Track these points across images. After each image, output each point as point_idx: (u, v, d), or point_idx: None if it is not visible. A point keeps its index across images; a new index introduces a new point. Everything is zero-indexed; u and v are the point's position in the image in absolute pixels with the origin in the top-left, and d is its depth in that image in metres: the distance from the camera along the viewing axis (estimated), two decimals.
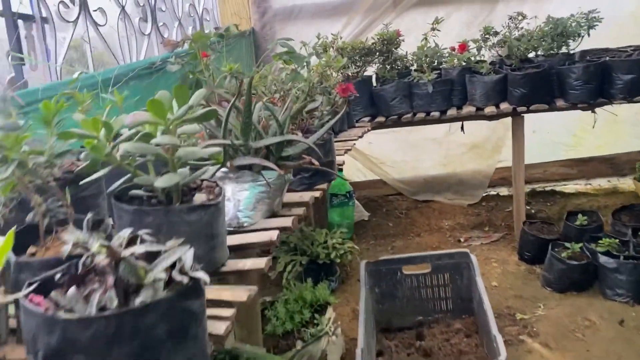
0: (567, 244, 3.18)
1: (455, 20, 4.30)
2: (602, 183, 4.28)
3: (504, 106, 3.45)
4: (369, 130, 3.48)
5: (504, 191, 4.47)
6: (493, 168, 4.38)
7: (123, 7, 2.87)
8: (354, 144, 3.03)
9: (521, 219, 3.69)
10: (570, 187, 4.34)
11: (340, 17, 4.45)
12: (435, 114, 3.57)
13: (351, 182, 4.69)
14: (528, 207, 4.04)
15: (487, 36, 3.80)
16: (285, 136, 1.66)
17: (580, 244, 3.12)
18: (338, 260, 3.13)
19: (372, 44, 3.69)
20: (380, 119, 3.69)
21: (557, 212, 3.95)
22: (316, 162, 1.70)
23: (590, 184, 4.32)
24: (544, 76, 3.36)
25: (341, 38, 3.81)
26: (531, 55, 3.69)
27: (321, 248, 3.12)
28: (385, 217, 4.25)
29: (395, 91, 3.61)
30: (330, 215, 4.04)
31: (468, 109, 3.54)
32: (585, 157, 4.31)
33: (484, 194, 4.37)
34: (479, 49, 3.81)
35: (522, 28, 3.81)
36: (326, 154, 2.09)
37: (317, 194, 1.99)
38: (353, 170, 4.67)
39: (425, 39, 3.90)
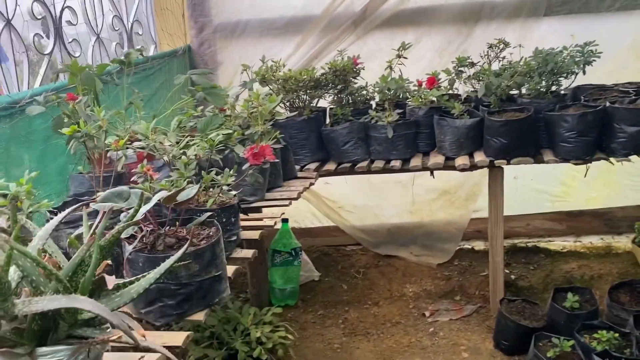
0: (555, 338, 2.52)
1: (427, 45, 3.65)
2: (594, 241, 3.65)
3: (479, 158, 2.79)
4: (312, 184, 2.79)
5: (479, 245, 3.82)
6: (467, 219, 3.73)
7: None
8: (280, 215, 2.33)
9: (498, 291, 3.04)
10: (557, 243, 3.70)
11: (293, 37, 3.76)
12: (396, 163, 2.90)
13: (302, 228, 4.01)
14: (507, 271, 3.39)
15: (460, 68, 3.15)
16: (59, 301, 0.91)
17: (572, 342, 2.47)
18: (264, 359, 2.43)
19: (322, 75, 3.00)
20: (331, 166, 3.01)
21: (541, 281, 3.31)
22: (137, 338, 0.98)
23: (580, 241, 3.68)
24: (529, 124, 2.72)
25: (284, 66, 3.12)
26: (514, 91, 3.05)
27: (240, 343, 2.42)
28: (340, 277, 3.57)
29: (348, 133, 2.94)
30: (272, 276, 3.35)
31: (435, 159, 2.88)
32: (575, 211, 3.68)
33: (456, 248, 3.71)
34: (451, 82, 3.16)
35: (503, 58, 3.18)
36: (206, 266, 1.39)
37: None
38: (305, 214, 3.99)
39: (390, 67, 3.24)
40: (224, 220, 1.69)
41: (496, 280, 3.04)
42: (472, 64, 3.21)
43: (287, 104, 3.07)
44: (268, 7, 3.75)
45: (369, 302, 3.31)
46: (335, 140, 2.96)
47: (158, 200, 1.36)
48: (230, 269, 1.62)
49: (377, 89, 3.20)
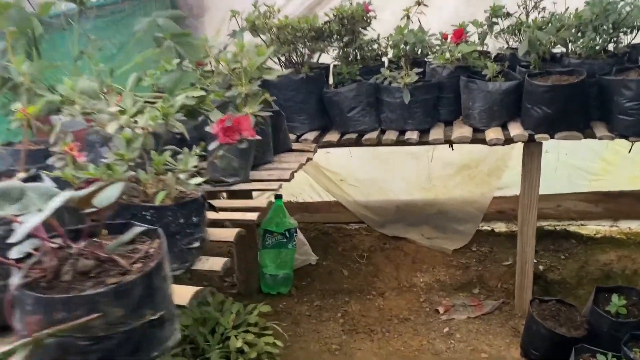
0: (600, 354, 2.08)
1: None
2: (633, 226, 3.17)
3: (516, 130, 2.28)
4: (310, 160, 2.29)
5: (501, 227, 3.34)
6: (489, 197, 3.24)
7: None
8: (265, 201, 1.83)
9: (526, 287, 2.59)
10: (589, 227, 3.22)
11: None
12: (413, 135, 2.39)
13: (299, 203, 3.53)
14: (535, 261, 2.93)
15: (494, 20, 2.59)
16: None
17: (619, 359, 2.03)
18: None
19: (326, 23, 2.45)
20: (333, 136, 2.50)
21: (574, 274, 2.85)
22: None
23: (617, 226, 3.20)
24: (580, 90, 2.19)
25: (279, 11, 2.56)
26: (556, 50, 2.51)
27: (217, 353, 1.97)
28: (340, 262, 3.11)
29: (355, 97, 2.41)
30: (262, 260, 2.89)
31: (461, 131, 2.37)
32: (614, 191, 3.18)
33: (475, 231, 3.24)
34: (482, 37, 2.61)
35: (543, 8, 2.62)
36: (137, 307, 0.90)
37: None
38: (303, 186, 3.50)
39: (407, 16, 2.69)
40: (182, 220, 1.21)
41: (524, 273, 2.58)
42: (508, 14, 2.66)
43: (283, 59, 2.53)
44: None
45: (373, 293, 2.86)
46: (339, 104, 2.44)
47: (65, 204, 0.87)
48: (187, 293, 1.14)
49: (391, 42, 2.66)
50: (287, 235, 2.87)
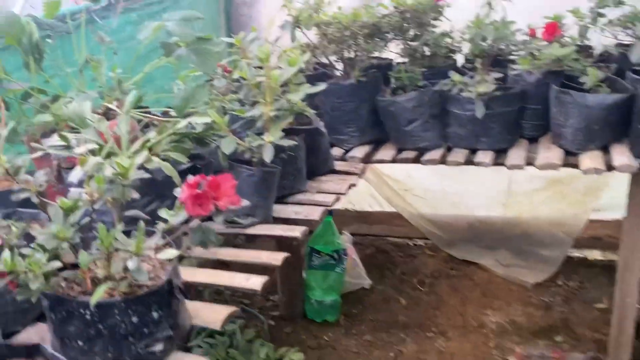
0: None
1: None
2: None
3: (622, 158, 1.76)
4: (353, 187, 1.90)
5: (595, 256, 2.79)
6: (583, 220, 2.70)
7: None
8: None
9: (625, 343, 2.09)
10: None
11: None
12: (486, 156, 1.94)
13: (357, 212, 3.17)
14: (638, 307, 2.39)
15: (600, 9, 2.04)
16: None
17: None
18: None
19: (384, 17, 2.03)
20: (386, 152, 2.10)
21: None
22: None
23: None
24: None
25: (329, 3, 2.16)
26: None
27: None
28: (398, 287, 2.73)
29: (416, 108, 1.99)
30: (308, 282, 2.58)
31: (548, 155, 1.88)
32: None
33: (562, 260, 2.72)
34: (582, 32, 2.07)
35: None
36: None
37: None
38: (364, 194, 3.12)
39: (489, 4, 2.21)
40: (136, 319, 0.90)
41: (624, 323, 2.08)
42: (620, 2, 2.09)
43: (334, 58, 2.15)
44: None
45: (434, 330, 2.46)
46: (395, 116, 2.03)
47: None
48: (220, 314, 0.87)
49: (466, 36, 2.19)
50: (336, 257, 2.53)
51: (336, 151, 2.12)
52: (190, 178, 0.91)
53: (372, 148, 2.14)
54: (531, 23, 2.13)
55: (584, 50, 2.16)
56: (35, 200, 1.02)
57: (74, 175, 1.07)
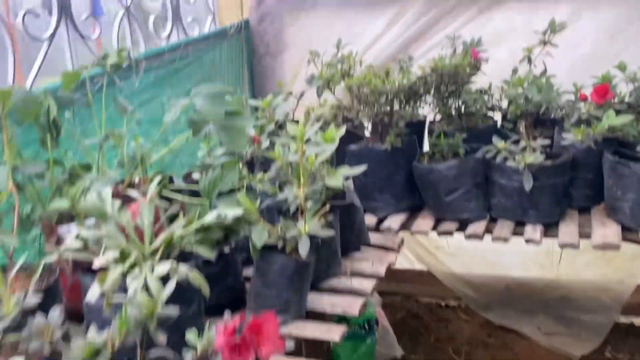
0: None
1: (589, 23, 2.38)
2: None
3: None
4: (392, 264, 1.75)
5: None
6: (632, 286, 2.51)
7: None
8: None
9: None
10: None
11: (384, 10, 2.66)
12: (535, 231, 1.78)
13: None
14: None
15: None
16: None
17: None
18: None
19: (420, 79, 1.90)
20: (424, 222, 1.95)
21: None
22: None
23: None
24: None
25: (361, 63, 2.05)
26: None
27: None
28: (432, 356, 2.55)
29: (457, 177, 1.84)
30: (335, 354, 2.41)
31: (604, 232, 1.72)
32: None
33: (609, 328, 2.52)
34: (638, 94, 1.92)
35: None
36: None
37: None
38: None
39: (529, 59, 2.10)
40: None
41: None
42: None
43: (368, 117, 2.02)
44: None
45: None
46: (434, 185, 1.88)
47: None
48: None
49: (506, 95, 2.07)
50: (367, 327, 2.37)
51: (369, 219, 1.97)
52: (227, 320, 0.77)
53: (408, 216, 1.99)
54: (575, 82, 1.99)
55: (635, 108, 2.02)
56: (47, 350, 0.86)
57: (92, 295, 0.94)
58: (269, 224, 1.34)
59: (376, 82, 1.81)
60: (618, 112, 1.81)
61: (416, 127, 2.14)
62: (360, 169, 1.43)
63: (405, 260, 3.01)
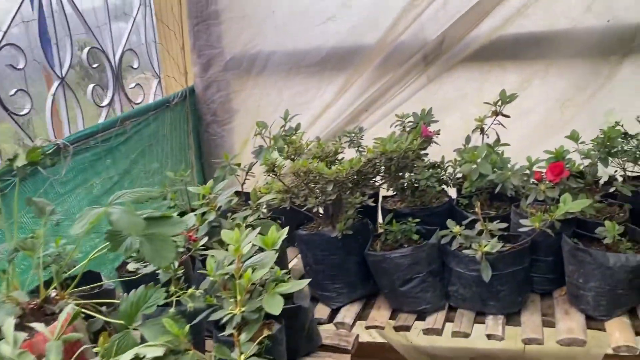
0: None
1: (539, 91, 2.37)
2: None
3: None
4: (352, 351, 1.61)
5: None
6: (600, 356, 2.43)
7: None
8: None
9: None
10: None
11: (334, 76, 2.60)
12: (496, 324, 1.67)
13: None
14: None
15: (609, 145, 1.84)
16: None
17: None
18: None
19: (368, 162, 1.80)
20: (380, 313, 1.82)
21: None
22: None
23: None
24: None
25: (307, 146, 1.94)
26: None
27: None
28: None
29: (411, 266, 1.73)
30: None
31: (570, 325, 1.61)
32: None
33: None
34: (592, 172, 1.87)
35: None
36: None
37: None
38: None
39: (481, 131, 2.05)
40: None
41: None
42: (627, 137, 1.91)
43: (316, 203, 1.89)
44: (299, 33, 2.59)
45: None
46: (388, 274, 1.76)
47: None
48: None
49: (460, 168, 2.00)
50: None
51: (322, 311, 1.83)
52: None
53: (363, 305, 1.86)
54: (529, 155, 1.92)
55: (591, 185, 1.97)
56: None
57: None
58: (199, 353, 1.18)
59: (322, 169, 1.70)
60: (574, 191, 1.76)
61: (370, 209, 2.04)
62: (304, 282, 1.29)
63: (365, 333, 2.86)
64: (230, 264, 1.28)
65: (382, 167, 1.85)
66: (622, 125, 1.90)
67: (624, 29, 2.17)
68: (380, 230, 1.94)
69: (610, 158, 1.85)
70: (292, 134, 2.24)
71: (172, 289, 1.34)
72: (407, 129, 2.12)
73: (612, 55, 2.22)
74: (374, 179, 1.90)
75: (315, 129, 2.56)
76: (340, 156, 1.98)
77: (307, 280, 1.30)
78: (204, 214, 1.76)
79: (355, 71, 2.50)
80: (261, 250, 1.33)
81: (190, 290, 1.31)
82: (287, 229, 1.38)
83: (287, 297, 1.50)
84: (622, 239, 1.62)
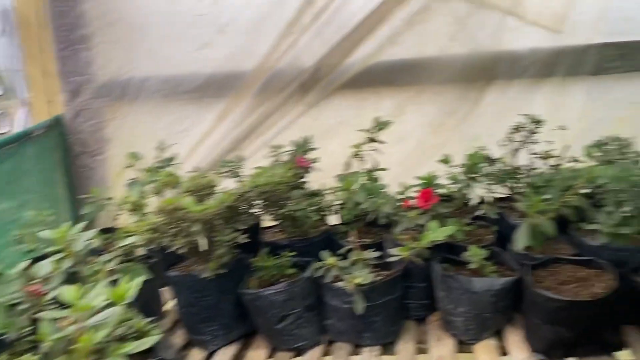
0: None
1: (414, 117, 2.43)
2: None
3: (517, 350, 1.56)
4: None
5: None
6: None
7: None
8: None
9: None
10: None
11: (213, 103, 2.52)
12: (370, 355, 1.66)
13: None
14: None
15: (472, 174, 1.92)
16: None
17: None
18: None
19: (240, 196, 1.73)
20: (258, 353, 1.74)
21: None
22: None
23: None
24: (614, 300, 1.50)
25: (176, 183, 1.85)
26: None
27: None
28: None
29: (286, 302, 1.67)
30: None
31: (441, 353, 1.63)
32: None
33: None
34: (460, 196, 1.93)
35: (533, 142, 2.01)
36: None
37: None
38: None
39: (358, 154, 2.07)
40: None
41: None
42: (490, 160, 2.00)
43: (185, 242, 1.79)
44: (175, 58, 2.49)
45: None
46: (263, 312, 1.70)
47: None
48: None
49: (338, 197, 1.99)
50: None
51: (197, 356, 1.73)
52: None
53: (241, 346, 1.77)
54: (403, 181, 1.95)
55: (461, 208, 2.04)
56: None
57: None
58: None
59: (189, 206, 1.61)
60: (444, 216, 1.80)
61: (248, 232, 1.97)
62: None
63: None
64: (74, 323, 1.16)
65: (256, 201, 1.80)
66: (486, 150, 1.98)
67: (486, 56, 2.29)
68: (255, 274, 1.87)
69: (475, 182, 1.93)
70: (167, 165, 2.14)
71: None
72: (286, 158, 2.10)
73: (478, 81, 2.33)
74: (250, 212, 1.85)
75: (195, 159, 2.46)
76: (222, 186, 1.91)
77: (156, 337, 1.20)
78: (59, 260, 1.61)
79: (235, 98, 2.44)
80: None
81: (24, 357, 1.17)
82: (142, 278, 1.27)
83: (148, 351, 1.39)
84: (488, 262, 1.68)
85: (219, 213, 1.65)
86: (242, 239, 1.69)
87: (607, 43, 2.22)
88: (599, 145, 1.89)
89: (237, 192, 1.72)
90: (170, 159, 2.16)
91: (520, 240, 1.54)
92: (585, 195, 1.68)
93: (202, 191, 1.86)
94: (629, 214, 1.51)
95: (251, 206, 1.79)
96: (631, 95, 2.21)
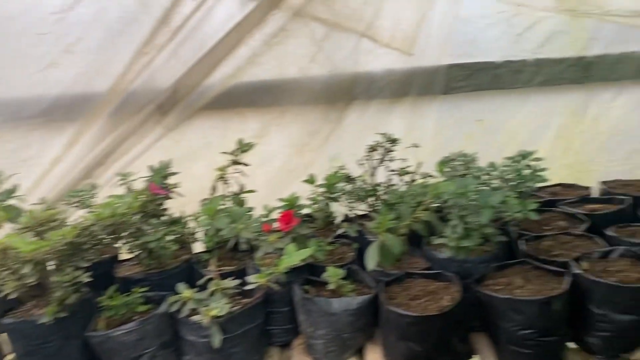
0: None
1: (279, 137, 2.42)
2: None
3: None
4: None
5: None
6: None
7: None
8: None
9: None
10: None
11: (64, 127, 2.32)
12: None
13: None
14: None
15: (332, 195, 1.94)
16: None
17: None
18: None
19: (84, 230, 1.60)
20: None
21: None
22: None
23: None
24: (460, 313, 1.56)
25: (8, 197, 1.67)
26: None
27: None
28: None
29: (139, 341, 1.56)
30: None
31: None
32: None
33: None
34: (325, 217, 1.94)
35: (390, 160, 2.08)
36: None
37: None
38: None
39: (222, 178, 2.02)
40: None
41: None
42: (350, 179, 2.04)
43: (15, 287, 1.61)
44: (15, 81, 2.27)
45: None
46: (114, 354, 1.57)
47: None
48: None
49: (201, 224, 1.91)
50: None
51: None
52: None
53: None
54: (269, 204, 1.93)
55: (324, 228, 2.05)
56: None
57: None
58: None
59: (18, 245, 1.45)
60: (305, 237, 1.80)
61: (103, 266, 1.84)
62: None
63: None
64: None
65: (103, 235, 1.67)
66: (346, 169, 2.02)
67: (344, 77, 2.34)
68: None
69: (334, 201, 1.95)
70: (6, 198, 1.93)
71: None
72: (141, 186, 1.98)
73: (339, 102, 2.38)
74: (97, 247, 1.71)
75: (43, 189, 2.26)
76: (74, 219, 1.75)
77: None
78: None
79: (87, 121, 2.28)
80: None
81: None
82: None
83: None
84: (346, 281, 1.69)
85: (58, 251, 1.51)
86: (86, 277, 1.55)
87: (454, 64, 2.37)
88: (447, 161, 2.00)
89: (79, 226, 1.59)
90: (11, 191, 1.95)
91: (371, 260, 1.57)
92: (435, 210, 1.76)
93: (43, 226, 1.70)
94: (469, 227, 1.60)
95: (98, 241, 1.66)
96: (476, 112, 2.38)
